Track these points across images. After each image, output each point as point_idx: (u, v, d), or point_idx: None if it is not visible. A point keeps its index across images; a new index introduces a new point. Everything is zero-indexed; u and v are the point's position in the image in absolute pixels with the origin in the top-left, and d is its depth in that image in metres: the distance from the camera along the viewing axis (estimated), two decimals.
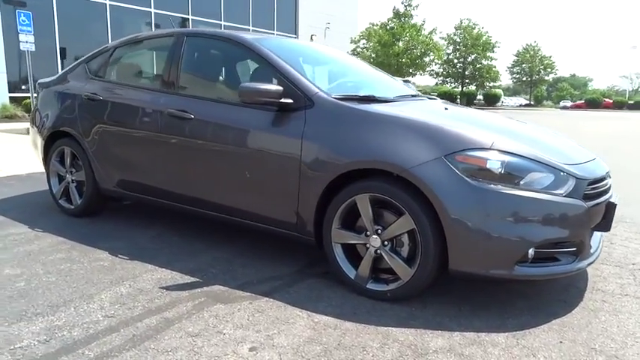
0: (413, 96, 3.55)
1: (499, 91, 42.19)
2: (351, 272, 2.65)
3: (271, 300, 2.56)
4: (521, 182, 2.32)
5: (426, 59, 28.85)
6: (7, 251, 3.21)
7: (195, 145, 3.16)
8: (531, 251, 2.30)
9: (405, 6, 28.73)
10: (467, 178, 2.29)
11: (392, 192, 2.44)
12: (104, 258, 3.12)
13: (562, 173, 2.38)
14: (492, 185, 2.29)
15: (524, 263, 2.31)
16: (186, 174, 3.26)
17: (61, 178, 4.14)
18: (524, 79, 57.94)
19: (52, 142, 4.10)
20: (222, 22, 22.82)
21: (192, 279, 2.83)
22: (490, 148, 2.35)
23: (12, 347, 2.05)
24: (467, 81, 40.56)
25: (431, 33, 27.92)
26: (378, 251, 2.54)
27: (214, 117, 3.11)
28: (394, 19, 28.92)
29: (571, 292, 2.71)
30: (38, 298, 2.53)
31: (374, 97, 2.95)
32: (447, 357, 2.04)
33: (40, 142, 4.22)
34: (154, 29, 18.53)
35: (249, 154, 2.93)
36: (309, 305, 2.50)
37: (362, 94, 2.97)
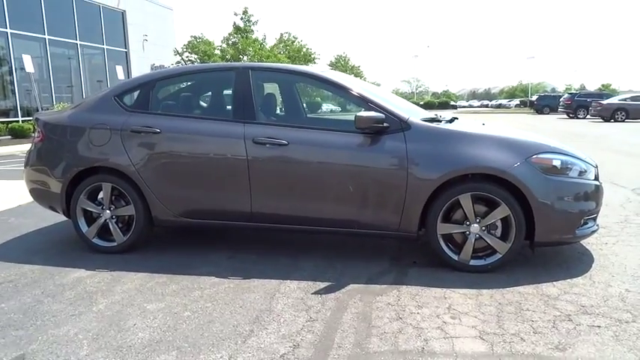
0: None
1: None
2: (454, 256, 3.40)
3: (409, 286, 3.17)
4: (570, 173, 3.38)
5: None
6: (109, 291, 3.13)
7: (292, 168, 3.54)
8: (583, 219, 3.38)
9: (245, 21, 29.68)
10: (542, 173, 3.27)
11: (491, 189, 3.28)
12: (222, 283, 3.29)
13: (587, 163, 3.52)
14: (557, 177, 3.31)
15: (579, 228, 3.38)
16: (280, 194, 3.59)
17: (89, 217, 3.95)
18: None
19: (78, 180, 3.89)
20: (47, 36, 20.54)
21: (325, 283, 3.25)
22: (552, 151, 3.37)
23: None
24: None
25: (273, 47, 29.42)
26: (477, 235, 3.36)
27: (310, 142, 3.53)
28: (235, 34, 29.64)
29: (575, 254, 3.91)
30: (224, 326, 2.71)
31: (438, 118, 3.75)
32: (555, 294, 2.96)
33: (55, 182, 3.93)
34: None
35: (351, 171, 3.47)
36: (440, 284, 3.18)
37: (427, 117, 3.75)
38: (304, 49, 36.20)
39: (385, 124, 3.41)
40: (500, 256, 3.35)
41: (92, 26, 23.11)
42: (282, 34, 35.07)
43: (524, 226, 3.28)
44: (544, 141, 3.56)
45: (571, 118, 28.41)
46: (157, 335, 2.56)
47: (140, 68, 26.86)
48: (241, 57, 29.73)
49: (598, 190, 3.48)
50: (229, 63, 4.06)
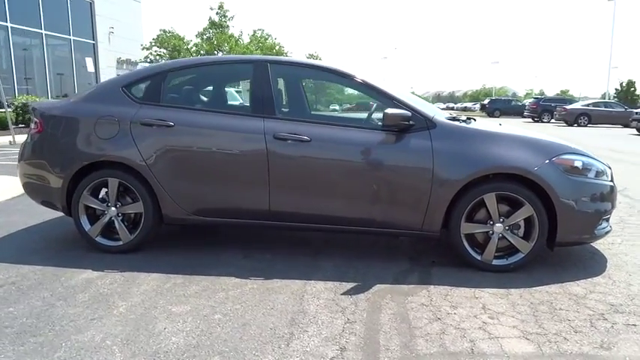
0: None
1: None
2: (477, 256, 3.39)
3: (437, 286, 3.14)
4: (589, 174, 3.43)
5: None
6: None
7: (314, 165, 3.44)
8: (600, 220, 3.43)
9: (220, 16, 29.10)
10: (565, 174, 3.30)
11: (516, 189, 3.29)
12: (244, 284, 3.16)
13: (603, 164, 3.57)
14: (578, 177, 3.34)
15: (597, 228, 3.43)
16: (301, 192, 3.49)
17: (91, 215, 3.73)
18: None
19: (81, 175, 3.67)
20: (9, 24, 19.58)
21: (351, 283, 3.17)
22: (573, 152, 3.40)
23: None
24: None
25: (249, 44, 28.98)
26: (500, 235, 3.35)
27: (334, 139, 3.45)
28: (210, 29, 29.04)
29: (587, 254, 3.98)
30: (261, 329, 2.60)
31: (458, 118, 3.73)
32: (582, 293, 3.00)
33: (55, 177, 3.70)
34: None
35: (375, 169, 3.40)
36: (466, 284, 3.16)
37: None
38: (277, 47, 35.89)
39: (410, 122, 3.36)
40: (523, 255, 3.36)
41: (58, 16, 22.20)
42: (255, 31, 34.55)
43: (546, 226, 3.30)
44: (564, 142, 3.60)
45: (536, 121, 29.31)
46: (192, 340, 2.42)
47: (106, 61, 26.04)
48: (216, 52, 29.20)
49: (613, 191, 3.54)
50: (246, 55, 3.90)
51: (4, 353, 2.29)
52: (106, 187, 3.71)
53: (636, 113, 20.37)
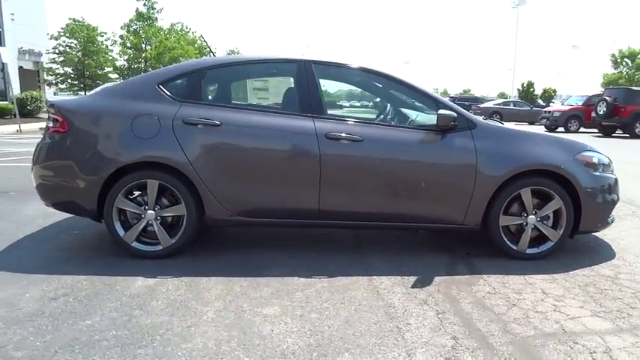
0: None
1: None
2: (513, 246, 3.69)
3: (489, 275, 3.38)
4: (602, 168, 3.86)
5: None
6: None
7: (366, 165, 3.54)
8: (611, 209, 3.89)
9: (148, 8, 27.43)
10: (587, 168, 3.70)
11: (549, 184, 3.63)
12: (312, 283, 3.19)
13: (609, 160, 4.04)
14: (596, 171, 3.76)
15: (609, 216, 3.88)
16: (352, 191, 3.56)
17: (125, 219, 3.54)
18: None
19: (115, 177, 3.46)
20: None
21: (411, 277, 3.31)
22: (590, 150, 3.82)
23: None
24: None
25: (179, 38, 27.63)
26: (533, 225, 3.69)
27: (384, 139, 3.56)
28: (137, 21, 27.26)
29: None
30: (367, 325, 2.67)
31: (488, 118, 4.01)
32: (612, 275, 3.41)
33: (86, 180, 3.44)
34: None
35: (424, 167, 3.58)
36: (510, 271, 3.44)
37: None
38: (199, 41, 34.77)
39: (455, 123, 3.58)
40: (553, 243, 3.72)
41: None
42: (172, 24, 33.09)
43: (572, 216, 3.68)
44: (579, 141, 4.02)
45: None
46: (310, 340, 2.44)
47: (8, 51, 23.69)
48: (144, 46, 27.65)
49: (617, 183, 4.02)
50: (287, 56, 3.87)
51: None
52: (139, 189, 3.54)
53: (545, 112, 22.58)
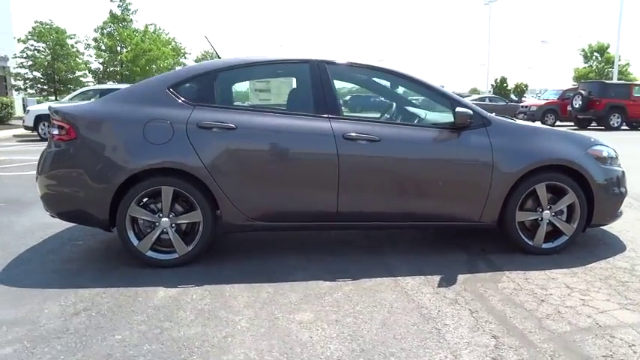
0: None
1: None
2: (529, 241, 3.72)
3: (510, 272, 3.39)
4: (611, 162, 3.93)
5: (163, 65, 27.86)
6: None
7: (384, 165, 3.51)
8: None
9: (122, 10, 26.71)
10: (598, 162, 3.76)
11: (563, 179, 3.67)
12: (338, 287, 3.15)
13: (615, 153, 4.11)
14: (606, 165, 3.82)
15: (619, 209, 3.95)
16: (371, 192, 3.53)
17: (137, 228, 3.43)
18: None
19: (127, 185, 3.34)
20: None
21: (434, 276, 3.30)
22: (600, 144, 3.88)
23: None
24: None
25: (155, 41, 26.99)
26: (548, 220, 3.72)
27: (401, 138, 3.54)
28: (111, 23, 26.50)
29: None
30: (405, 327, 2.64)
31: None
32: (629, 267, 3.47)
33: (96, 188, 3.32)
34: None
35: (441, 165, 3.57)
36: (530, 267, 3.46)
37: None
38: (173, 43, 34.16)
39: (471, 120, 3.58)
40: (567, 237, 3.76)
41: None
42: (147, 25, 32.33)
43: (586, 210, 3.73)
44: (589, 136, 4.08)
45: None
46: (353, 345, 2.40)
47: None
48: (119, 48, 26.95)
49: (624, 175, 4.10)
50: (299, 56, 3.81)
51: None
52: (150, 196, 3.44)
53: (522, 106, 23.02)
